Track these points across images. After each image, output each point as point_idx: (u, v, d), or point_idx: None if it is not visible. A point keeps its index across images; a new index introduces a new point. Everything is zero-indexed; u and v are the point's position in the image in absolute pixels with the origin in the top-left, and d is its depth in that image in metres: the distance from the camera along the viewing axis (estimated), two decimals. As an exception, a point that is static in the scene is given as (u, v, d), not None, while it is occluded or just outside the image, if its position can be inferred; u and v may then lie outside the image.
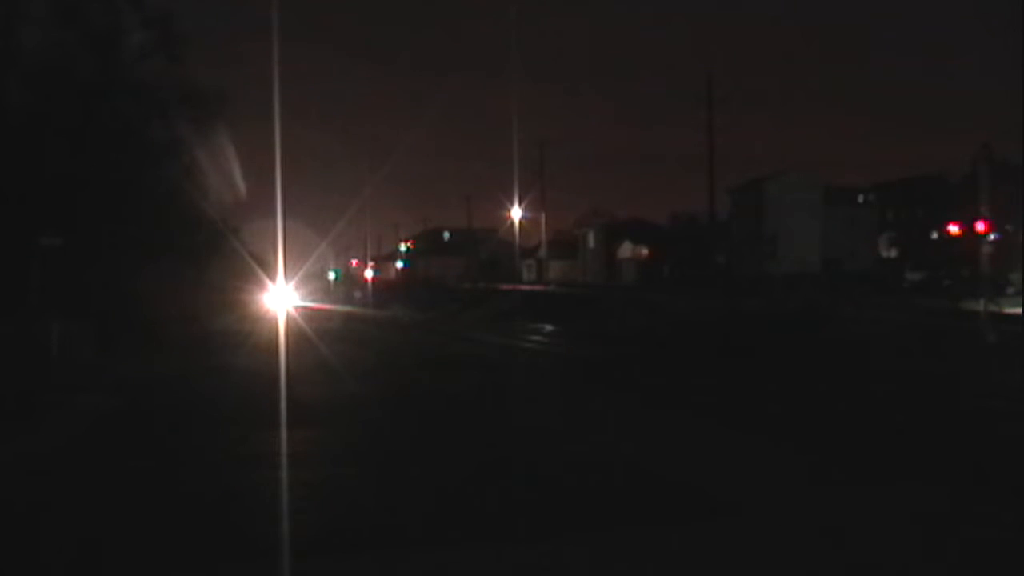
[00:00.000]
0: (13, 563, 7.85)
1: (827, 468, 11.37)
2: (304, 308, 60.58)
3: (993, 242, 48.41)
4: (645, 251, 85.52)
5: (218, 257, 42.26)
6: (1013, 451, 12.66)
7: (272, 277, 48.99)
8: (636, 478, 10.88)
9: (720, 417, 15.91)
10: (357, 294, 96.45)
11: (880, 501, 9.59)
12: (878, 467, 11.36)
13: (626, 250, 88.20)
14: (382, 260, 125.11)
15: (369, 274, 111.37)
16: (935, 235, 64.08)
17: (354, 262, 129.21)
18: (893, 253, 67.90)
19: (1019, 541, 8.23)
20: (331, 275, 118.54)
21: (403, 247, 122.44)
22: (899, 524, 8.63)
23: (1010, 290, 42.87)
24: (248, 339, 34.44)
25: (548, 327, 41.87)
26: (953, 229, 56.62)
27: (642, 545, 8.02)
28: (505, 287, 67.08)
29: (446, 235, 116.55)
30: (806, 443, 13.07)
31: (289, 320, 44.02)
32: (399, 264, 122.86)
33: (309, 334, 38.30)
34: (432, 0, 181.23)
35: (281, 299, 50.37)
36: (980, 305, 31.36)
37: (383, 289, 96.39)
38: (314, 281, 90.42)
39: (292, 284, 60.31)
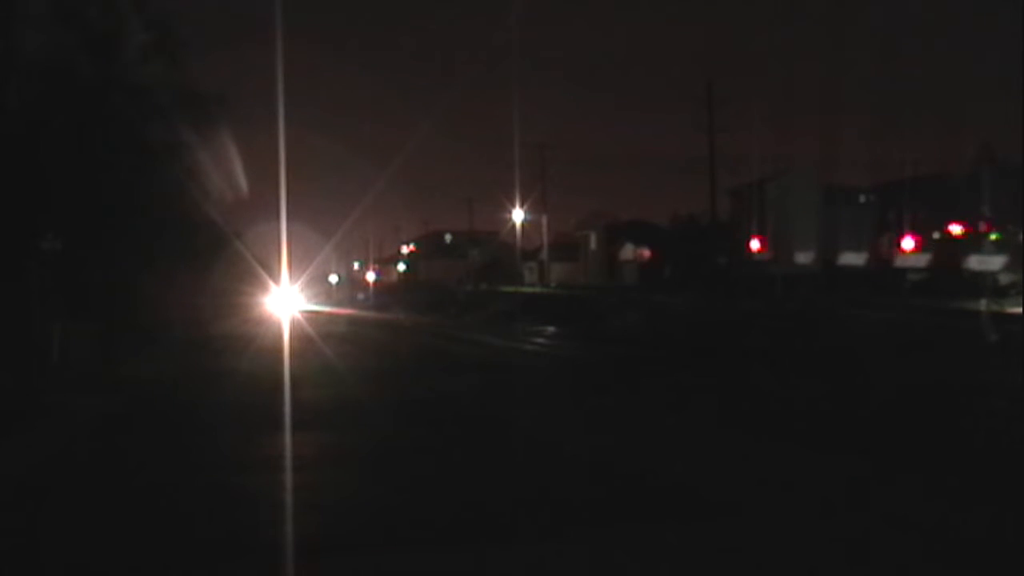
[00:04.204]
0: (14, 562, 7.86)
1: (829, 468, 11.37)
2: (307, 311, 60.64)
3: (994, 242, 48.50)
4: (646, 252, 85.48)
5: (221, 260, 42.28)
6: (1012, 449, 12.65)
7: (276, 280, 49.09)
8: (636, 479, 10.91)
9: (720, 418, 15.92)
10: (360, 296, 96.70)
11: (881, 499, 9.60)
12: (880, 465, 11.35)
13: (627, 251, 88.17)
14: (384, 263, 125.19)
15: (371, 277, 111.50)
16: (936, 235, 63.96)
17: (355, 266, 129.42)
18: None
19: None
20: (333, 278, 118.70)
21: (405, 250, 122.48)
22: (898, 522, 8.64)
23: (1011, 290, 42.81)
24: (251, 342, 34.44)
25: (550, 328, 41.86)
26: (955, 229, 56.64)
27: (642, 544, 8.03)
28: (507, 289, 67.14)
29: (447, 237, 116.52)
30: (808, 444, 13.06)
31: (292, 323, 44.04)
32: (401, 267, 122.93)
33: (312, 337, 38.35)
34: (434, 3, 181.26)
35: (285, 302, 50.44)
36: (981, 305, 31.40)
37: (385, 292, 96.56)
38: (317, 284, 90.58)
39: (296, 287, 60.53)
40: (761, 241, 63.03)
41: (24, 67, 27.32)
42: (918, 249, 52.63)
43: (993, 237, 48.33)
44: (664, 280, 74.28)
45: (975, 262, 39.82)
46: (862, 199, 75.40)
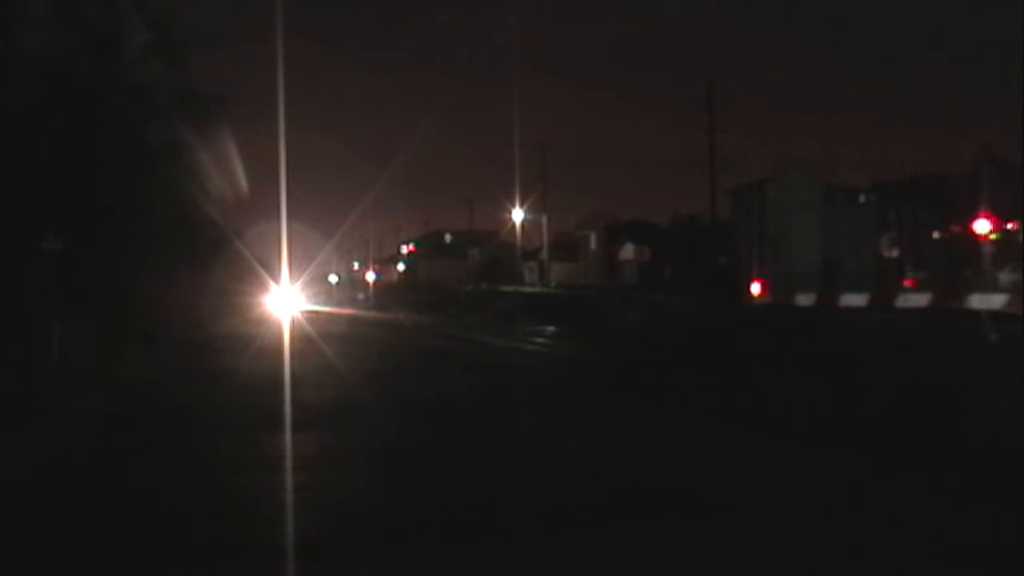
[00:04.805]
0: (14, 562, 7.86)
1: (829, 468, 11.37)
2: (307, 311, 60.63)
3: (995, 242, 48.50)
4: (646, 252, 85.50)
5: (221, 260, 42.26)
6: (1012, 449, 12.65)
7: (276, 280, 49.12)
8: (636, 479, 10.91)
9: (720, 418, 15.92)
10: (360, 296, 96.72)
11: (881, 499, 9.60)
12: (880, 465, 11.34)
13: (627, 251, 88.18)
14: (384, 263, 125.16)
15: (371, 277, 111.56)
16: (937, 235, 64.03)
17: (355, 266, 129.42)
18: (894, 253, 67.77)
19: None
20: (333, 278, 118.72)
21: (405, 250, 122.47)
22: (898, 522, 8.64)
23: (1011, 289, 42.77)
24: (252, 342, 34.42)
25: (550, 328, 41.86)
26: (955, 229, 56.66)
27: (642, 544, 8.04)
28: (507, 289, 67.06)
29: (448, 237, 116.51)
30: (808, 444, 13.06)
31: (292, 323, 44.02)
32: (401, 267, 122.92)
33: (312, 336, 38.35)
34: (434, 3, 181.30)
35: (285, 302, 50.46)
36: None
37: (385, 292, 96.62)
38: (317, 284, 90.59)
39: (297, 287, 60.58)
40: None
41: (24, 67, 27.29)
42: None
43: (993, 237, 48.34)
44: (664, 280, 74.28)
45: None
46: (862, 199, 75.46)
